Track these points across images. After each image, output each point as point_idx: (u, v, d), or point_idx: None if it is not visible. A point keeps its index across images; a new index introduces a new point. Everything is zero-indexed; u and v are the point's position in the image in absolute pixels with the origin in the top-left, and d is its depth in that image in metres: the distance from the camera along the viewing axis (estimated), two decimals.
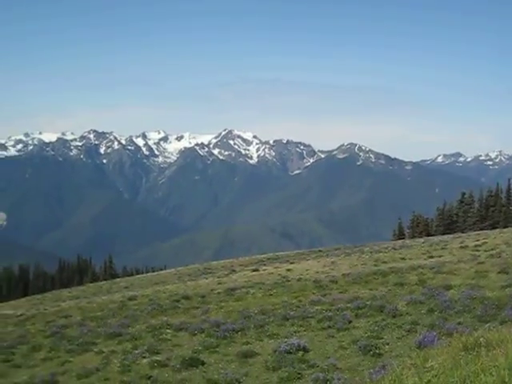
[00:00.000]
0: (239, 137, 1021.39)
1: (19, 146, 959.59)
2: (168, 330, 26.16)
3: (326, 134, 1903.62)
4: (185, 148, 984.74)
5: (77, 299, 56.77)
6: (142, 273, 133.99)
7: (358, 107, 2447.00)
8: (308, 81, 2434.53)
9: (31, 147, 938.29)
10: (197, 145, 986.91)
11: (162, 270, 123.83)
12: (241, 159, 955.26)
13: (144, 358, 21.56)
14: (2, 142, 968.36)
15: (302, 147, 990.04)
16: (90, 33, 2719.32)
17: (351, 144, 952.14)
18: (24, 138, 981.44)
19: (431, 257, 48.31)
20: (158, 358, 20.87)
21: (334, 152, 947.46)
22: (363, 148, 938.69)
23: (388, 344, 18.64)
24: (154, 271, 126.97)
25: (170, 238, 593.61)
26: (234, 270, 65.34)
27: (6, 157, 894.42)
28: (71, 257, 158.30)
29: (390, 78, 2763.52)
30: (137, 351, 22.50)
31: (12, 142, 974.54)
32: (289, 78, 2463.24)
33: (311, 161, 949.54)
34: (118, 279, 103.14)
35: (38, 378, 21.26)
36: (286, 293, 33.98)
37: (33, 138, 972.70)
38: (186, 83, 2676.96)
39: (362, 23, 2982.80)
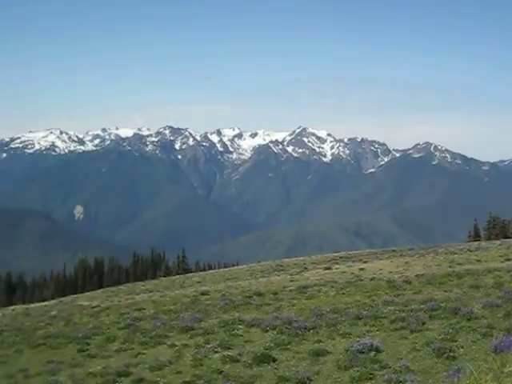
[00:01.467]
0: (313, 134, 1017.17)
1: (96, 141, 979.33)
2: (240, 326, 26.27)
3: (401, 133, 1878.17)
4: (259, 145, 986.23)
5: (150, 292, 57.44)
6: (215, 268, 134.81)
7: (434, 106, 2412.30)
8: (383, 79, 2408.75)
9: (108, 142, 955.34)
10: (271, 142, 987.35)
11: (234, 265, 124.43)
12: (315, 157, 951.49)
13: (216, 352, 21.72)
14: (80, 136, 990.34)
15: (376, 146, 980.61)
16: (163, 27, 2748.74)
17: (427, 143, 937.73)
18: (101, 133, 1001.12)
19: (508, 259, 47.29)
20: (229, 353, 21.00)
21: (410, 151, 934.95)
22: (439, 147, 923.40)
23: (462, 347, 18.30)
24: (226, 267, 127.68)
25: (243, 234, 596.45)
26: (306, 268, 65.15)
27: (84, 151, 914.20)
28: (145, 250, 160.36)
29: (466, 76, 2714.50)
30: (209, 346, 22.68)
31: (89, 137, 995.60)
32: (364, 76, 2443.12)
33: (386, 160, 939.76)
34: (190, 274, 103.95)
35: (112, 368, 21.66)
36: (358, 292, 33.76)
37: (110, 133, 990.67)
38: (261, 80, 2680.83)
39: (439, 24, 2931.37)
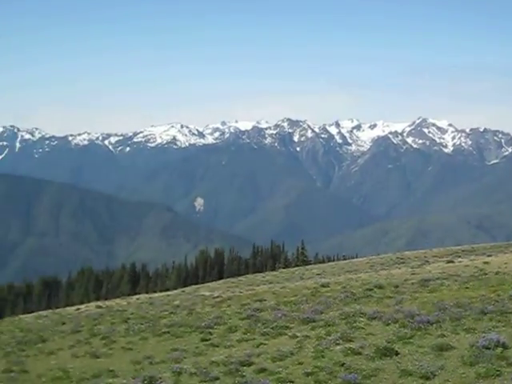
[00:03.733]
0: (434, 125, 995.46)
1: (216, 134, 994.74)
2: (361, 319, 26.13)
3: None
4: (378, 136, 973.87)
5: (270, 284, 57.93)
6: (334, 260, 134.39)
7: None
8: (506, 67, 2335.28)
9: (227, 135, 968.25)
10: (390, 133, 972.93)
11: (353, 258, 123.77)
12: (435, 148, 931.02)
13: (337, 344, 21.70)
14: (200, 130, 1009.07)
15: (500, 136, 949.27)
16: (280, 20, 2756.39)
17: None
18: (221, 127, 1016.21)
19: None
20: (351, 346, 20.92)
21: None
22: None
23: None
24: (345, 259, 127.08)
25: (362, 226, 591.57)
26: (427, 261, 64.08)
27: (204, 144, 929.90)
28: (264, 242, 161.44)
29: None
30: (330, 338, 22.68)
31: (209, 131, 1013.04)
32: (487, 65, 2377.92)
33: (510, 150, 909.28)
34: (310, 266, 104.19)
35: (235, 357, 21.98)
36: (482, 286, 32.82)
37: (229, 127, 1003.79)
38: (378, 71, 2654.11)
39: None
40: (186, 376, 20.76)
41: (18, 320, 57.59)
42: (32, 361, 28.84)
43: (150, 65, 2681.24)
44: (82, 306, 65.53)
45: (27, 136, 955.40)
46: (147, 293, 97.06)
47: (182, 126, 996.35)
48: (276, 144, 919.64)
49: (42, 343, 34.36)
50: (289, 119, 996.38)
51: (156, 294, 73.45)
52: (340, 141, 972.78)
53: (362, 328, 24.29)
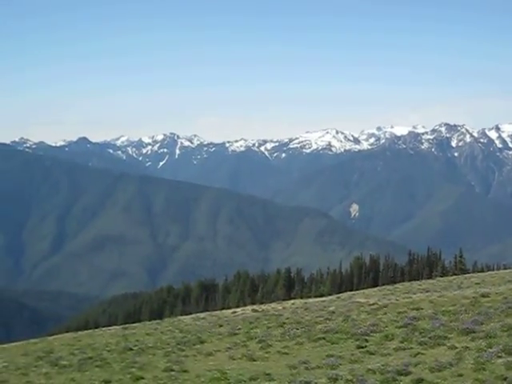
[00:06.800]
0: None
1: (371, 140, 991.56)
2: None
3: None
4: None
5: (427, 292, 56.70)
6: (494, 269, 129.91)
7: None
8: None
9: (383, 141, 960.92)
10: None
11: None
12: None
13: (499, 357, 20.95)
14: (355, 135, 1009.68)
15: None
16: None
17: None
18: (376, 132, 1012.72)
19: None
20: None
21: None
22: None
23: None
24: (505, 268, 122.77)
25: None
26: None
27: (359, 150, 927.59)
28: (420, 249, 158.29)
29: None
30: (491, 350, 21.91)
31: (365, 136, 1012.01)
32: None
33: None
34: (468, 274, 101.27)
35: (391, 366, 21.70)
36: None
37: (384, 132, 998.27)
38: None
39: None
40: (341, 383, 20.73)
41: (177, 321, 59.47)
42: (191, 361, 29.68)
43: (305, 75, 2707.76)
44: (238, 310, 66.76)
45: (186, 143, 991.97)
46: (302, 298, 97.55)
47: (337, 132, 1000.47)
48: (433, 149, 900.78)
49: (201, 344, 35.31)
50: (446, 124, 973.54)
51: (311, 300, 73.68)
52: (500, 145, 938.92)
53: None
